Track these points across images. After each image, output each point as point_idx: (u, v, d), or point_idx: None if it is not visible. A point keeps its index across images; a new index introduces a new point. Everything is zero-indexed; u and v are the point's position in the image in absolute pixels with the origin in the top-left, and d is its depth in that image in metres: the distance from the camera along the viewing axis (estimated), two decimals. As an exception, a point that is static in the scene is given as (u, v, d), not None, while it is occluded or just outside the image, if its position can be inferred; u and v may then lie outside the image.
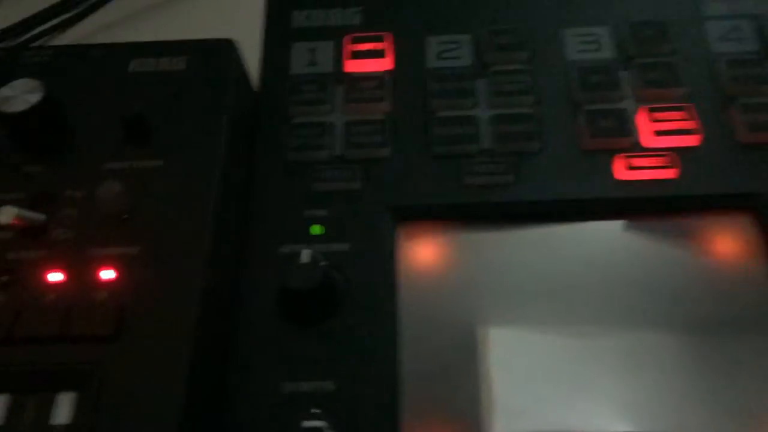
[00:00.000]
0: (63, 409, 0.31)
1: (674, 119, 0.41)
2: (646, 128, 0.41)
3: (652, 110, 0.42)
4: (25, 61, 0.43)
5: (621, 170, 0.40)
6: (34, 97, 0.36)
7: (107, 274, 0.34)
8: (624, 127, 0.41)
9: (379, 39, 0.46)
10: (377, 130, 0.43)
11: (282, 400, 0.34)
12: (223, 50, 0.42)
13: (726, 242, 0.39)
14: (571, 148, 0.41)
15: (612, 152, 0.41)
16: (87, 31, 0.58)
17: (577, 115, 0.42)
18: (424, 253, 0.40)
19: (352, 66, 0.46)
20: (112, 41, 0.45)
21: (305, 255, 0.36)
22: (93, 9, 0.57)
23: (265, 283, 0.38)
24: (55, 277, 0.34)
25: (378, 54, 0.45)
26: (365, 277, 0.38)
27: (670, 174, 0.40)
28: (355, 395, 0.34)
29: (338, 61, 0.46)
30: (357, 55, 0.46)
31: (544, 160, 0.41)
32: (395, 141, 0.43)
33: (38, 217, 0.35)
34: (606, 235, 0.40)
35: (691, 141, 0.41)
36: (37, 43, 0.56)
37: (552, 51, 0.45)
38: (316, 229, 0.40)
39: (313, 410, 0.33)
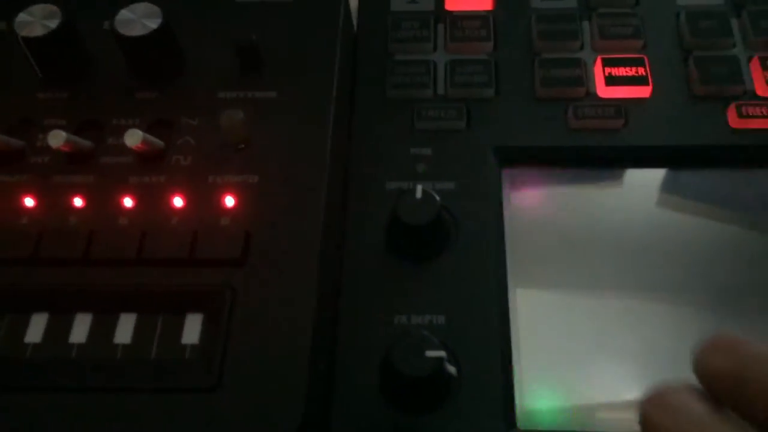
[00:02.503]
0: (192, 329, 0.32)
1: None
2: (759, 77, 0.40)
3: (766, 59, 0.41)
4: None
5: (734, 118, 0.39)
6: (153, 23, 0.36)
7: (228, 201, 0.34)
8: (737, 75, 0.40)
9: (482, -23, 0.45)
10: (481, 70, 0.42)
11: (395, 332, 0.35)
12: (331, -16, 0.41)
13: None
14: (682, 94, 0.41)
15: (724, 100, 0.40)
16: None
17: (687, 61, 0.42)
18: (527, 194, 0.40)
19: (454, 4, 0.45)
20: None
21: (419, 190, 0.36)
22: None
23: (373, 219, 0.38)
24: (178, 202, 0.34)
25: (481, -8, 0.45)
26: (472, 216, 0.38)
27: (782, 123, 0.39)
28: (466, 329, 0.35)
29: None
30: (459, -8, 0.45)
31: (653, 104, 0.40)
32: (499, 82, 0.42)
33: (158, 142, 0.36)
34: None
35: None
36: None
37: (660, -5, 0.44)
38: (422, 168, 0.40)
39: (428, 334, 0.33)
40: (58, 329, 0.32)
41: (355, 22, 0.46)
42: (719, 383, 0.24)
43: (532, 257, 0.38)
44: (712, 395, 0.24)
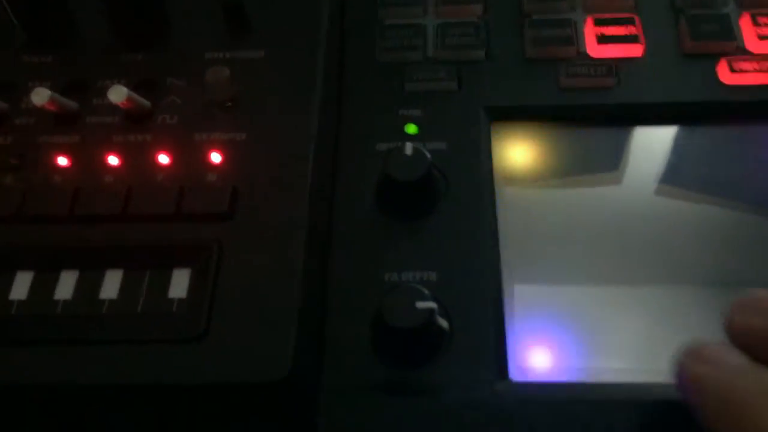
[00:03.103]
0: (179, 284, 0.31)
1: (778, 24, 0.40)
2: (750, 33, 0.40)
3: (756, 15, 0.40)
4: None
5: (726, 73, 0.39)
6: (136, -18, 0.36)
7: (215, 158, 0.34)
8: (727, 32, 0.40)
9: (471, -59, 0.45)
10: (470, 32, 0.42)
11: (386, 288, 0.34)
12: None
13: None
14: (674, 52, 0.40)
15: (715, 57, 0.40)
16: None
17: (678, 19, 0.41)
18: (519, 153, 0.40)
19: (443, -32, 0.45)
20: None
21: (408, 147, 0.36)
22: None
23: (363, 179, 0.38)
24: (164, 159, 0.34)
25: (471, -44, 0.44)
26: (463, 175, 0.38)
27: (774, 78, 0.39)
28: (458, 285, 0.34)
29: (428, -36, 0.45)
30: (448, -43, 0.45)
31: (645, 63, 0.40)
32: (488, 44, 0.42)
33: (144, 102, 0.35)
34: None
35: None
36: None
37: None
38: (411, 128, 0.39)
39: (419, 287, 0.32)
40: (44, 286, 0.32)
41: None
42: (757, 340, 0.24)
43: (523, 214, 0.38)
44: (748, 352, 0.24)
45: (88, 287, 0.31)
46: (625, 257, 0.36)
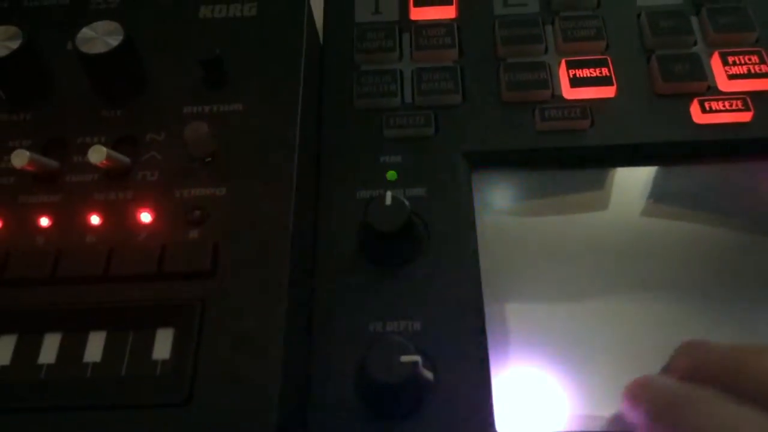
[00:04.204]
0: (162, 345, 0.31)
1: (748, 63, 0.41)
2: (720, 72, 0.41)
3: (725, 55, 0.41)
4: (92, 8, 0.42)
5: (698, 114, 0.40)
6: (115, 40, 0.36)
7: (196, 214, 0.34)
8: (699, 72, 0.41)
9: (444, -14, 0.45)
10: (447, 77, 0.43)
11: (370, 340, 0.34)
12: (295, -4, 0.41)
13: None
14: (646, 92, 0.41)
15: (687, 96, 0.41)
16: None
17: (650, 60, 0.42)
18: (498, 197, 0.40)
19: (418, 14, 0.45)
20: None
21: (388, 197, 0.36)
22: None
23: (345, 228, 0.38)
24: (145, 217, 0.34)
25: (444, 1, 0.45)
26: (444, 221, 0.38)
27: (745, 117, 0.40)
28: (443, 334, 0.35)
29: (403, 9, 0.46)
30: (423, 2, 0.45)
31: (618, 104, 0.41)
32: (465, 87, 0.42)
33: (124, 159, 0.35)
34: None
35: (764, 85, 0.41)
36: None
37: (620, -4, 0.45)
38: (391, 175, 0.40)
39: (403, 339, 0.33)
40: (27, 350, 0.32)
41: (321, 34, 0.46)
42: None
43: (505, 260, 0.38)
44: None
45: (71, 350, 0.31)
46: (616, 301, 0.37)
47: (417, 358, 0.31)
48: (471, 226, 0.38)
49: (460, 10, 0.46)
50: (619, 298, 0.37)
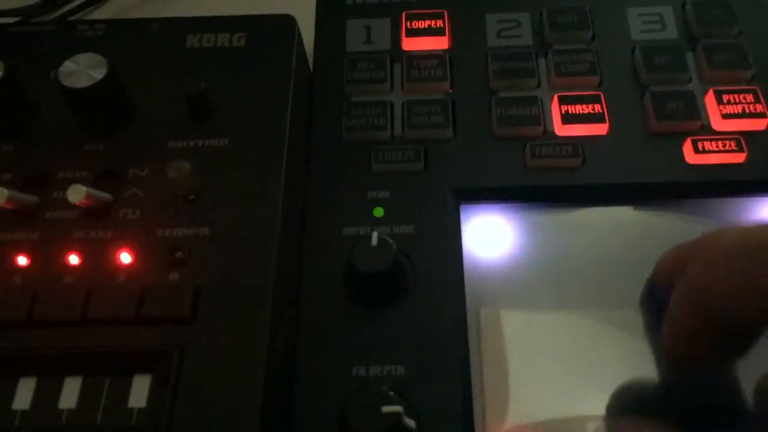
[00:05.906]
0: (139, 392, 0.31)
1: (743, 102, 0.40)
2: (714, 111, 0.40)
3: (720, 93, 0.41)
4: (77, 36, 0.42)
5: (691, 154, 0.39)
6: (99, 73, 0.35)
7: (178, 256, 0.33)
8: (693, 110, 0.40)
9: (437, 16, 0.45)
10: (438, 111, 0.42)
11: (354, 384, 0.34)
12: (284, 27, 0.41)
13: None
14: (639, 130, 0.41)
15: (681, 135, 0.40)
16: (124, 6, 0.56)
17: (643, 96, 0.41)
18: (488, 235, 0.40)
19: (410, 44, 0.45)
20: (154, 16, 0.44)
21: (374, 237, 0.35)
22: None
23: (330, 266, 0.37)
24: (126, 258, 0.33)
25: (437, 32, 0.45)
26: (431, 260, 0.37)
27: (738, 158, 0.39)
28: (427, 380, 0.34)
29: (395, 39, 0.45)
30: (415, 32, 0.45)
31: (610, 142, 0.40)
32: (456, 121, 0.42)
33: (105, 196, 0.35)
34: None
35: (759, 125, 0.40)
36: (75, 17, 0.55)
37: (615, 30, 0.44)
38: (378, 212, 0.39)
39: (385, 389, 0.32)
40: (1, 396, 0.31)
41: (311, 63, 0.45)
42: None
43: (492, 299, 0.37)
44: None
45: (46, 396, 0.31)
46: (606, 349, 0.36)
47: (399, 408, 0.31)
48: (459, 263, 0.38)
49: (453, 40, 0.45)
50: (613, 328, 0.36)
